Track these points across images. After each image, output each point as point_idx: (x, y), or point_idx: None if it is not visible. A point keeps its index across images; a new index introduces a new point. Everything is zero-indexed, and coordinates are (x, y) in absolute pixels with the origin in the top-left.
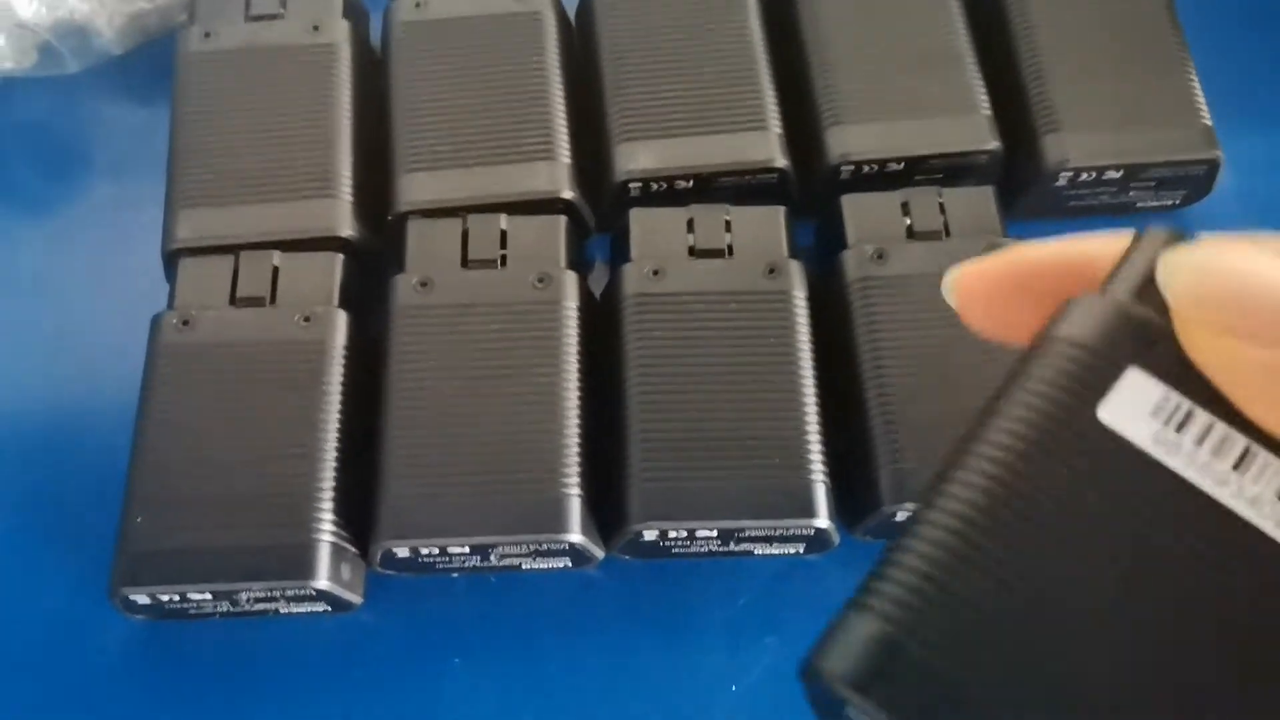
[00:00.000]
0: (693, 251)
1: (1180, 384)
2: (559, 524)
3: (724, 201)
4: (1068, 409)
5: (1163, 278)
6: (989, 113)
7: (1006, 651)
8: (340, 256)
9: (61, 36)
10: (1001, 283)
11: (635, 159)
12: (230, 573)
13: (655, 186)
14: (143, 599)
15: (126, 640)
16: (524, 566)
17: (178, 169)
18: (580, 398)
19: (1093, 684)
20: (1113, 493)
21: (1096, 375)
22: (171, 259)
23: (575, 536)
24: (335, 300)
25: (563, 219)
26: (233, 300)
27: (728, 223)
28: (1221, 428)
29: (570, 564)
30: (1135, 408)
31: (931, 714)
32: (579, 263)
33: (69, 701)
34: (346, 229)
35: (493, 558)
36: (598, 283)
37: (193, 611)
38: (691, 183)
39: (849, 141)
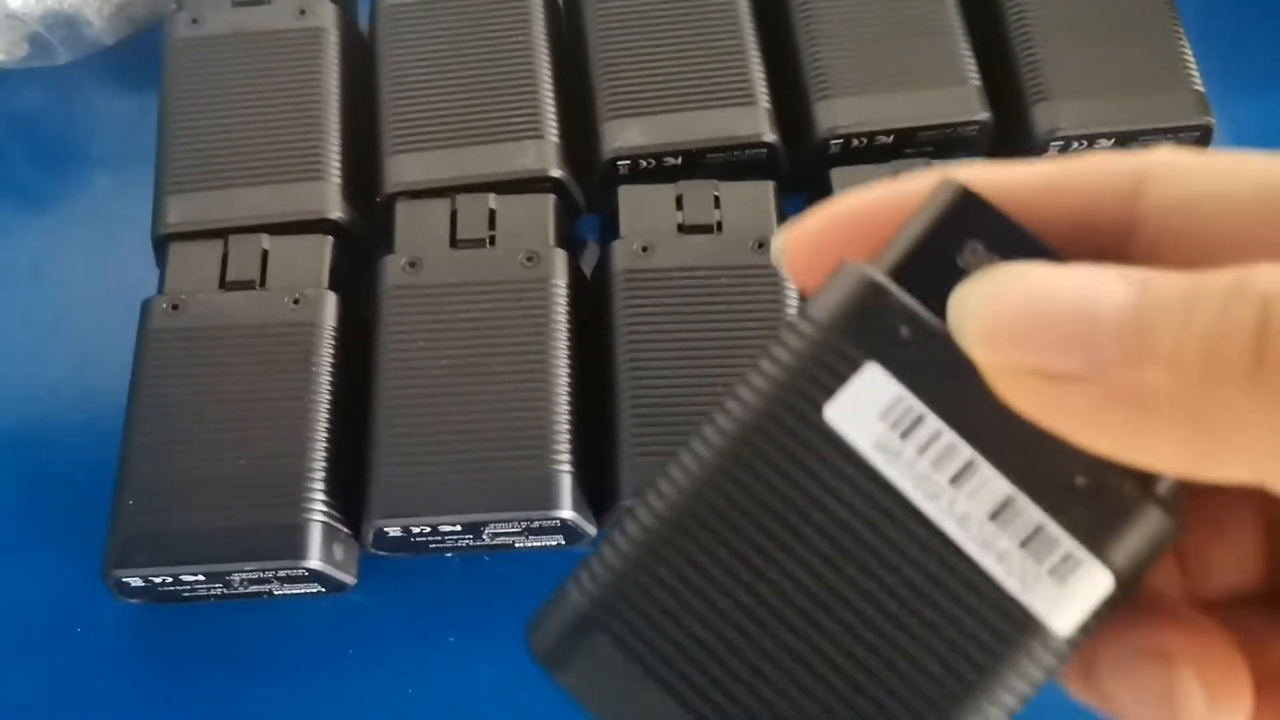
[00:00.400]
0: (682, 228)
1: (922, 384)
2: (550, 500)
3: (713, 177)
4: (793, 406)
5: (954, 321)
6: (978, 83)
7: (696, 643)
8: (329, 239)
9: (51, 27)
10: (825, 238)
11: (623, 136)
12: (222, 554)
13: (644, 164)
14: (135, 581)
15: (122, 624)
16: (517, 545)
17: (166, 154)
18: (570, 375)
19: (770, 682)
20: (819, 499)
21: (832, 369)
22: (161, 244)
23: (567, 513)
24: (325, 282)
25: (551, 198)
26: (222, 284)
27: (716, 198)
28: (950, 436)
29: (563, 541)
30: (865, 408)
31: (615, 696)
32: (568, 241)
33: (65, 686)
34: (335, 211)
35: (485, 536)
36: (590, 264)
37: (186, 594)
38: (680, 159)
39: (837, 115)
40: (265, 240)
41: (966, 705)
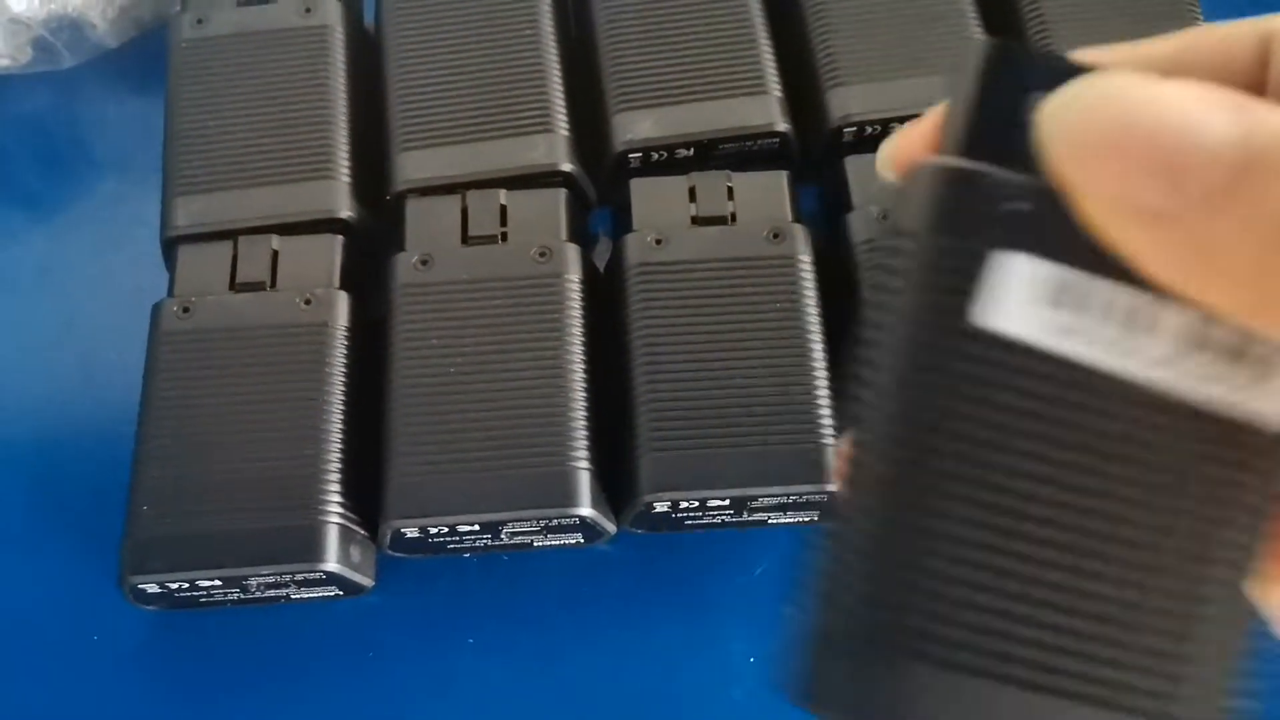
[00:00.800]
0: (695, 219)
1: (1053, 249)
2: (569, 498)
3: (726, 168)
4: (943, 328)
5: (1042, 135)
6: None
7: (1002, 617)
8: (340, 238)
9: (55, 31)
10: (930, 141)
11: (634, 128)
12: (238, 557)
13: (655, 155)
14: (152, 588)
15: (138, 630)
16: (535, 544)
17: (173, 156)
18: (586, 370)
19: (1079, 610)
20: (1036, 412)
21: (958, 273)
22: (170, 246)
23: (586, 510)
24: (336, 282)
25: (563, 192)
26: (233, 285)
27: (729, 189)
28: (1111, 291)
29: (582, 540)
30: (1014, 299)
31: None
32: (581, 235)
33: (83, 694)
34: (345, 210)
35: (503, 536)
36: (603, 257)
37: (203, 600)
38: (692, 150)
39: (850, 102)
40: (275, 241)
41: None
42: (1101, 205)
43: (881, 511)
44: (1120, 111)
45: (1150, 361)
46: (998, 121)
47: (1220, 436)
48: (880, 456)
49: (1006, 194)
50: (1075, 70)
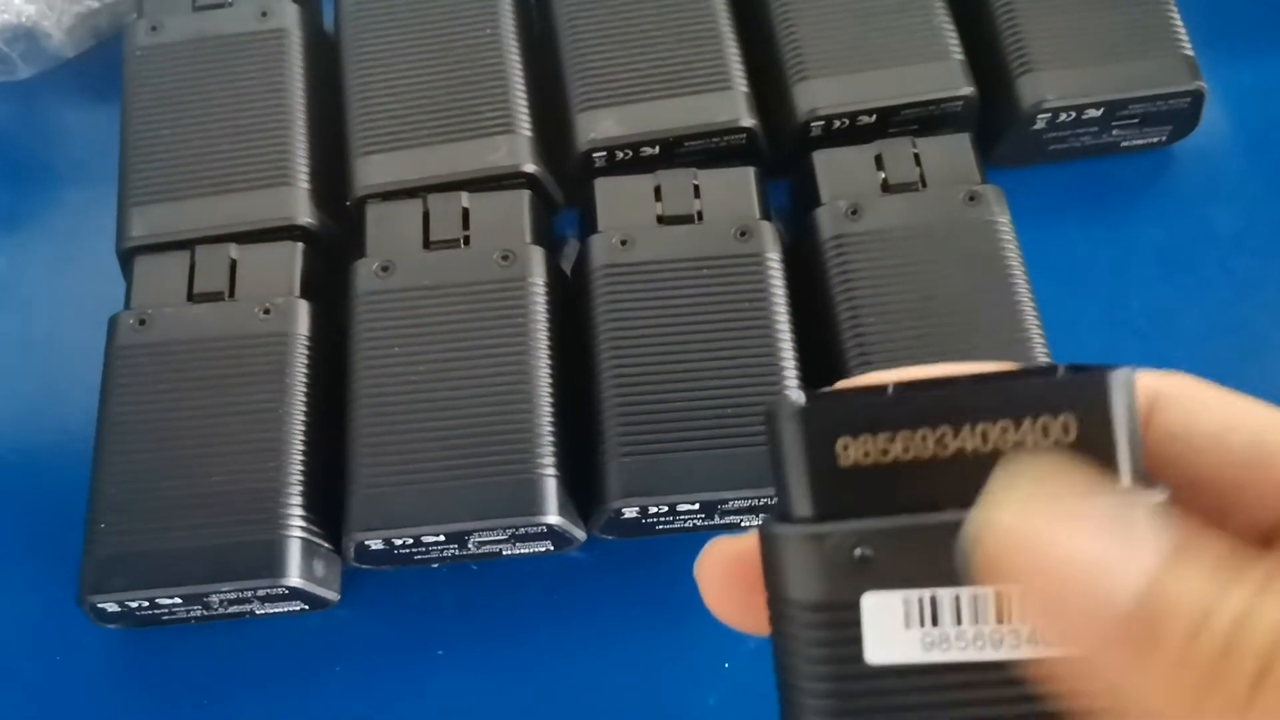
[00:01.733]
0: (661, 219)
1: (910, 576)
2: (535, 506)
3: (692, 165)
4: (845, 676)
5: (966, 544)
6: (961, 57)
7: None
8: (300, 245)
9: (10, 41)
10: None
11: (597, 127)
12: (199, 575)
13: (620, 154)
14: (112, 607)
15: (101, 649)
16: (504, 553)
17: (129, 166)
18: (552, 375)
19: None
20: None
21: (840, 627)
22: (126, 257)
23: (553, 518)
24: (296, 290)
25: (526, 193)
26: (190, 296)
27: (696, 187)
28: (965, 594)
29: (551, 547)
30: (889, 632)
31: None
32: (546, 238)
33: (46, 716)
34: (304, 217)
35: (471, 545)
36: (571, 260)
37: (166, 617)
38: (658, 148)
39: (817, 96)
40: (233, 249)
41: None
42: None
43: None
44: (1039, 548)
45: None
46: (827, 474)
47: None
48: None
49: (859, 542)
50: (874, 396)
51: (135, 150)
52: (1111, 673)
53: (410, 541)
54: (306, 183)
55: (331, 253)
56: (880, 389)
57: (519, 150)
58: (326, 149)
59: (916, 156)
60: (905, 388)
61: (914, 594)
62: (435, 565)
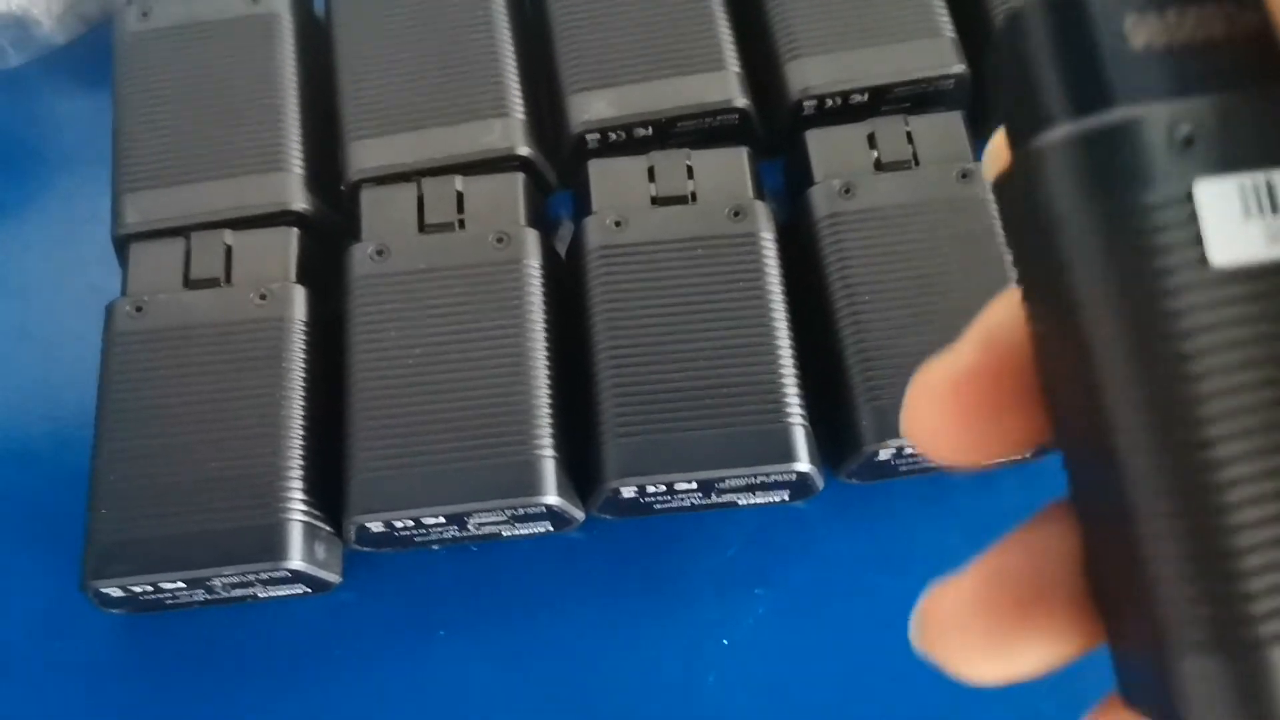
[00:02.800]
0: (655, 200)
1: (1245, 156)
2: (534, 486)
3: (686, 146)
4: (1188, 282)
5: None
6: (953, 35)
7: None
8: (295, 230)
9: (1, 29)
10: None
11: (590, 109)
12: (200, 558)
13: (614, 136)
14: (115, 591)
15: (106, 635)
16: (504, 534)
17: (122, 152)
18: (548, 356)
19: None
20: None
21: (1172, 225)
22: (122, 245)
23: (551, 498)
24: (292, 275)
25: (520, 176)
26: (186, 282)
27: (689, 168)
28: None
29: (551, 528)
30: (1232, 226)
31: None
32: (540, 220)
33: (52, 701)
34: (299, 202)
35: (470, 527)
36: (566, 242)
37: (169, 602)
38: (651, 129)
39: (809, 75)
40: (228, 235)
41: None
42: None
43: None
44: None
45: None
46: (1119, 55)
47: None
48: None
49: (1175, 118)
50: None
51: (128, 137)
52: None
53: (410, 523)
54: (301, 168)
55: (326, 237)
56: None
57: (512, 133)
58: (320, 133)
59: (909, 135)
60: None
61: (1249, 178)
62: (435, 547)
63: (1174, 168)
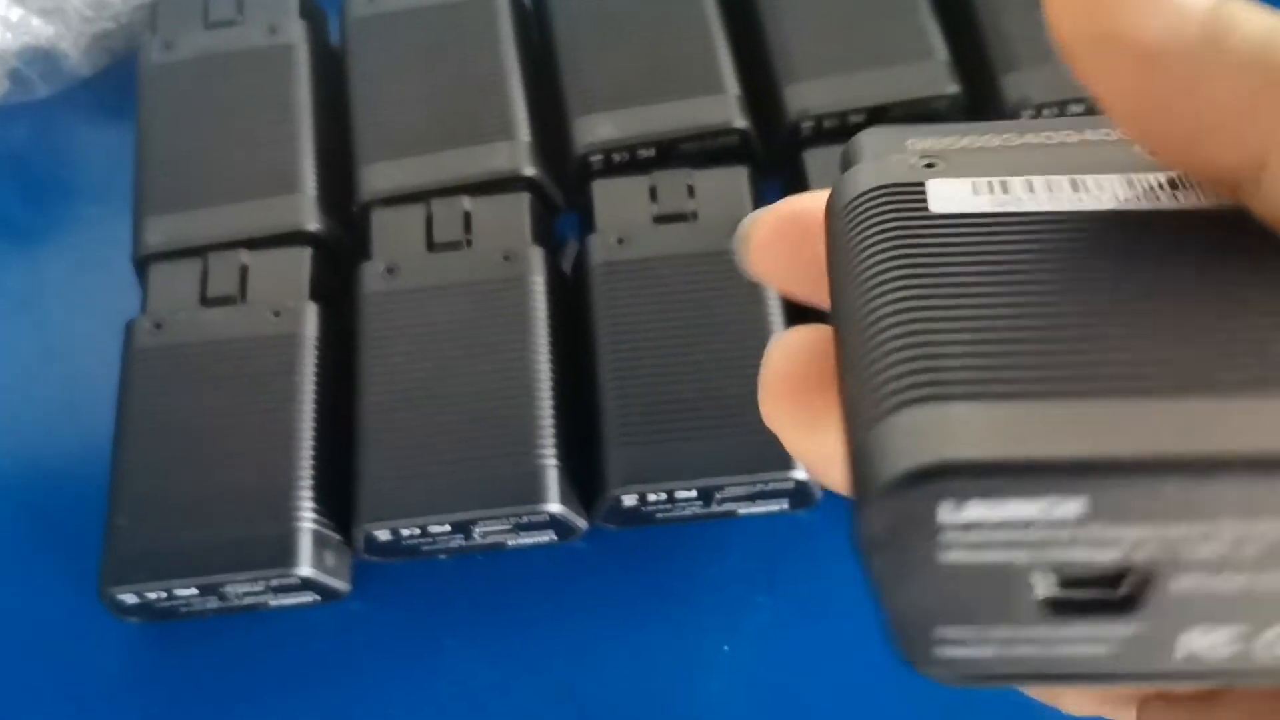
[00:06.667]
0: (657, 218)
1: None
2: (538, 495)
3: (688, 166)
4: (905, 226)
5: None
6: (946, 57)
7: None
8: (308, 250)
9: (29, 62)
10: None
11: (594, 131)
12: (214, 566)
13: (617, 157)
14: (131, 598)
15: (121, 643)
16: (508, 544)
17: (144, 177)
18: (553, 369)
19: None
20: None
21: (904, 197)
22: (142, 265)
23: (555, 507)
24: (305, 293)
25: (526, 196)
26: (203, 300)
27: (690, 188)
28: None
29: (555, 537)
30: (957, 196)
31: None
32: (546, 239)
33: (69, 709)
34: (312, 223)
35: (476, 536)
36: (572, 261)
37: (183, 610)
38: (653, 150)
39: (807, 97)
40: (244, 255)
41: None
42: (1086, 47)
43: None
44: None
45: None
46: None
47: None
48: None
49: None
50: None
51: (149, 162)
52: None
53: (417, 532)
54: (314, 190)
55: (338, 257)
56: None
57: (519, 155)
58: (333, 158)
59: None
60: None
61: (983, 179)
62: (442, 557)
63: (914, 175)
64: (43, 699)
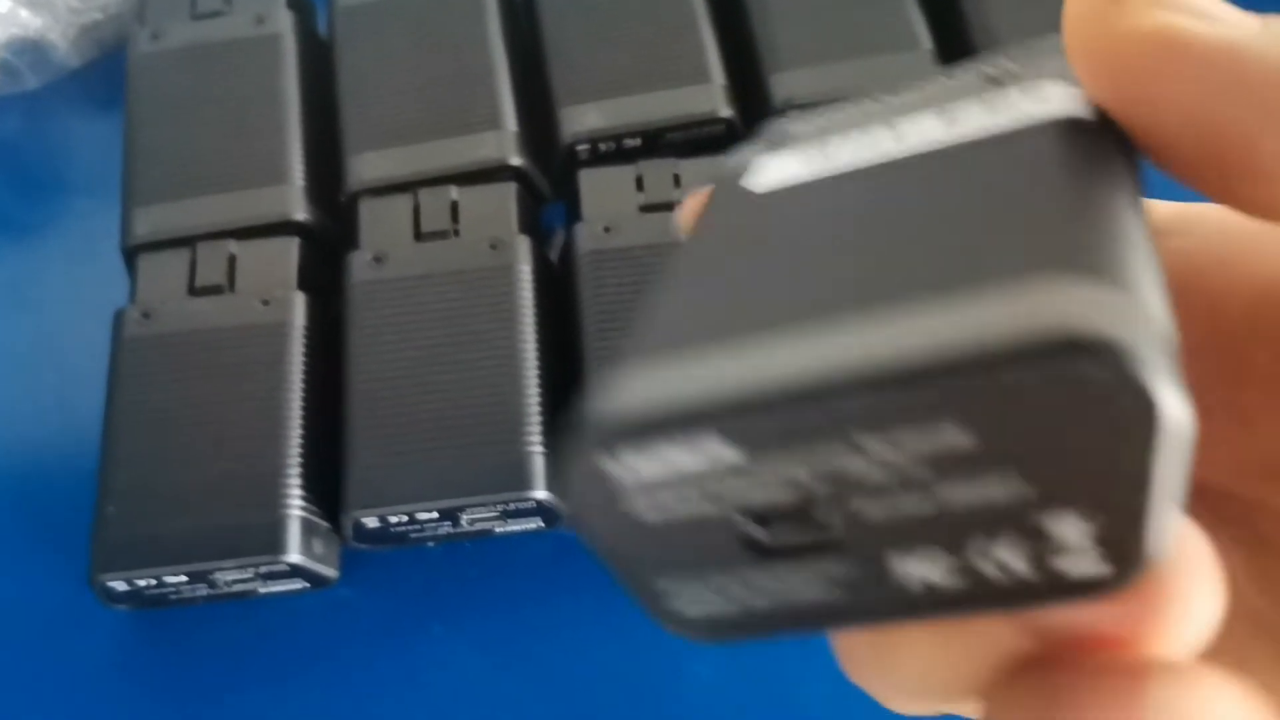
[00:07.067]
0: (643, 208)
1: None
2: (524, 481)
3: (674, 156)
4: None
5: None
6: (931, 47)
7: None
8: (296, 240)
9: (18, 53)
10: None
11: (580, 121)
12: (203, 553)
13: (604, 147)
14: (120, 585)
15: (111, 631)
16: (496, 530)
17: (132, 167)
18: (540, 357)
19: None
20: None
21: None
22: (131, 255)
23: (541, 493)
24: (293, 283)
25: (513, 186)
26: (192, 290)
27: (676, 177)
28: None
29: (542, 524)
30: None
31: None
32: (533, 228)
33: (59, 696)
34: (300, 213)
35: (464, 522)
36: (559, 250)
37: (173, 597)
38: (640, 140)
39: (792, 86)
40: (233, 245)
41: None
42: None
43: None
44: None
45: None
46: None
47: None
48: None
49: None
50: None
51: (138, 153)
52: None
53: (405, 519)
54: (302, 180)
55: (327, 246)
56: None
57: (505, 144)
58: (321, 147)
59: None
60: None
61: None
62: (430, 544)
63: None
64: (33, 686)
